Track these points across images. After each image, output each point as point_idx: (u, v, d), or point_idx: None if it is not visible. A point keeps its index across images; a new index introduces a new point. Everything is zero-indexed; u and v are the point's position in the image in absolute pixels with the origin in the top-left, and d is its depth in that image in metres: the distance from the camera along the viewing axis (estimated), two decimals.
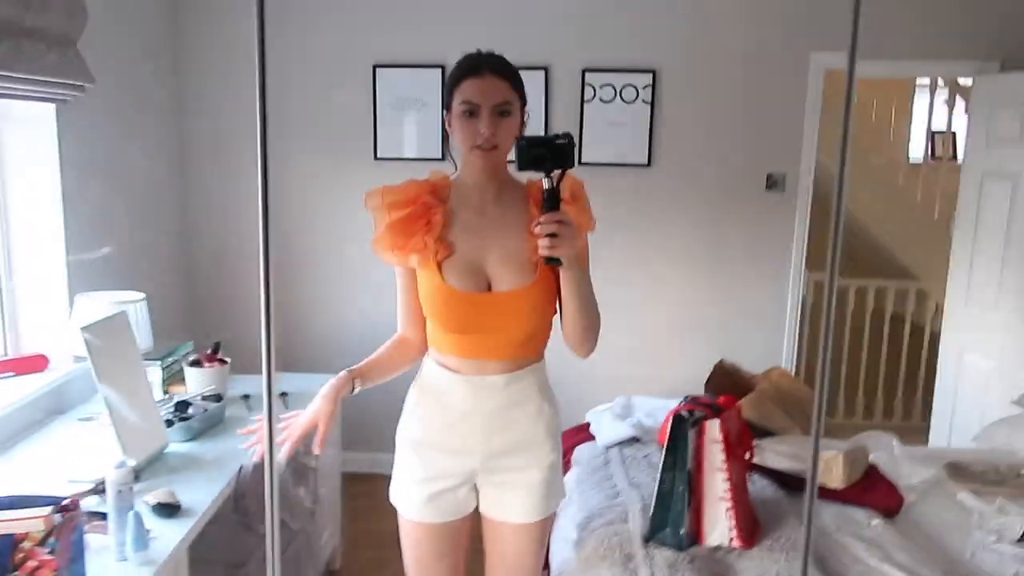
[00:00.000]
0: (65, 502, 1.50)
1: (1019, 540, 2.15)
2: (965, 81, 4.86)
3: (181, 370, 2.67)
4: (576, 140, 3.58)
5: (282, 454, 1.65)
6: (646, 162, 3.68)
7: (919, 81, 5.62)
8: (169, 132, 3.58)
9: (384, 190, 1.66)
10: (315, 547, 2.69)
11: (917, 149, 5.83)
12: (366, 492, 3.29)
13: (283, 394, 2.66)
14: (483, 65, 1.57)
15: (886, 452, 2.61)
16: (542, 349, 1.72)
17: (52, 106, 2.58)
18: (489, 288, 1.62)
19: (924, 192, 5.37)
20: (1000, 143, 3.47)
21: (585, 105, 3.65)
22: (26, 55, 2.27)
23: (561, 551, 2.02)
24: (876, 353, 4.88)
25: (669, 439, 1.87)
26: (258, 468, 2.13)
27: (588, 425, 2.78)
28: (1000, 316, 3.47)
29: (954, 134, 5.88)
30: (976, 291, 3.63)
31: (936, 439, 3.79)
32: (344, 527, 3.09)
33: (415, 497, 1.73)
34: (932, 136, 5.90)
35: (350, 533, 3.14)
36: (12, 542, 1.42)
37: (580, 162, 3.63)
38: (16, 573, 1.43)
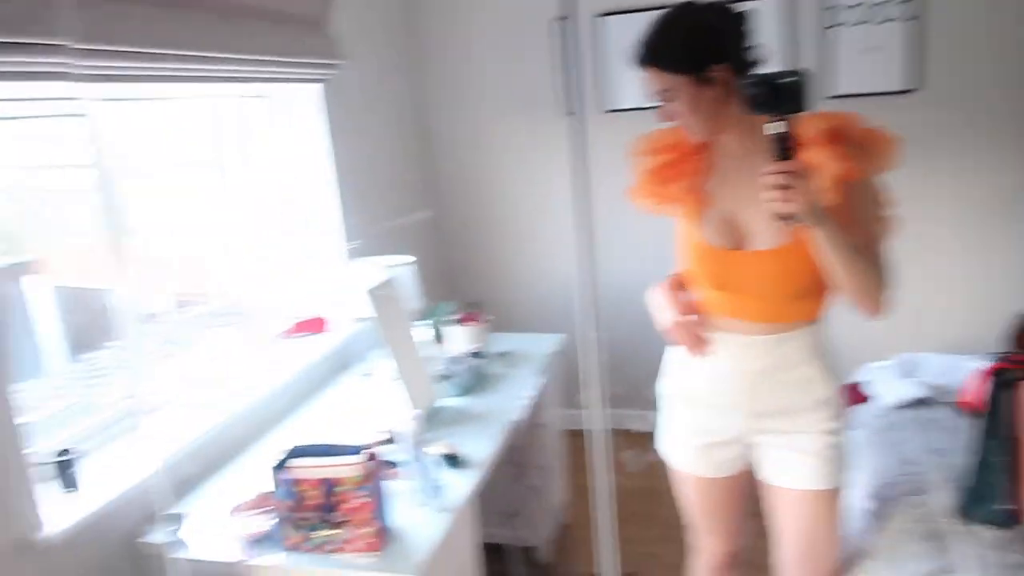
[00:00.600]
0: (372, 450, 1.62)
1: None
2: None
3: (439, 329, 2.80)
4: (811, 74, 3.29)
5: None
6: (915, 86, 3.26)
7: None
8: (414, 102, 3.74)
9: (648, 135, 1.62)
10: (550, 503, 2.72)
11: None
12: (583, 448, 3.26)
13: (503, 354, 2.70)
14: (638, 58, 1.49)
15: None
16: (817, 310, 1.55)
17: (318, 86, 2.78)
18: (748, 244, 1.51)
19: None
20: None
21: (830, 31, 3.29)
22: (294, 41, 2.46)
23: (854, 519, 1.87)
24: None
25: (988, 401, 1.64)
26: (528, 423, 2.19)
27: (857, 385, 2.56)
28: None
29: None
30: None
31: None
32: (572, 483, 3.09)
33: (684, 449, 1.71)
34: None
35: (574, 489, 3.13)
36: (330, 485, 1.56)
37: (832, 95, 3.30)
38: (336, 512, 1.57)
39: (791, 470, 1.58)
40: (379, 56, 3.38)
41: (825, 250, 1.37)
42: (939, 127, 3.26)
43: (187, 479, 1.95)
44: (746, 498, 1.76)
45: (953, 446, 1.85)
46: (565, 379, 3.01)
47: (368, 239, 2.97)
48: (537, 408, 2.43)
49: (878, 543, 1.66)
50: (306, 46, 2.55)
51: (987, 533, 1.59)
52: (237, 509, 1.73)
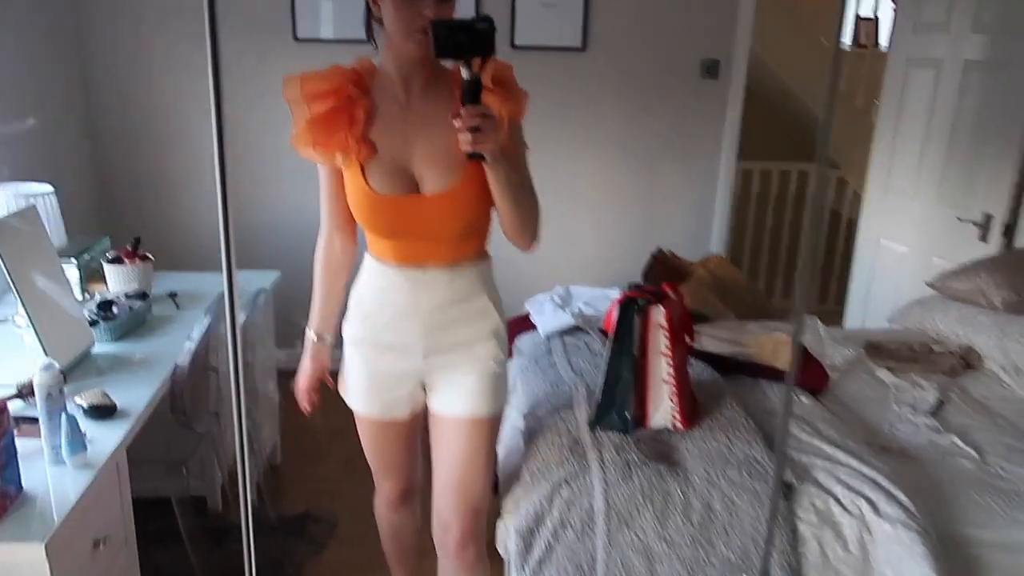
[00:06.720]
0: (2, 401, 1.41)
1: (931, 412, 2.31)
2: None
3: (100, 268, 2.51)
4: (503, 23, 3.47)
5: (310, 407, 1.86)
6: (580, 46, 3.57)
7: None
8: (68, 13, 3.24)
9: (303, 78, 1.50)
10: (256, 444, 2.66)
11: (843, 35, 5.86)
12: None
13: (172, 294, 2.55)
14: None
15: (812, 335, 2.74)
16: (484, 245, 1.65)
17: None
18: (417, 189, 1.52)
19: (849, 79, 5.43)
20: (925, 29, 3.50)
21: None
22: None
23: (508, 438, 2.05)
24: (796, 238, 5.05)
25: (617, 325, 1.88)
26: (192, 366, 2.06)
27: (527, 315, 2.79)
28: (917, 203, 3.61)
29: (877, 19, 5.93)
30: (896, 179, 3.74)
31: (851, 321, 3.99)
32: (282, 423, 3.05)
33: (361, 393, 1.71)
34: (857, 22, 5.94)
35: (289, 429, 3.10)
36: None
37: (512, 45, 3.50)
38: None
39: (457, 399, 1.66)
40: None
41: (501, 185, 1.46)
42: (597, 83, 3.63)
43: None
44: (417, 437, 1.83)
45: (593, 367, 2.11)
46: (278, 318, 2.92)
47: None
48: (208, 351, 2.30)
49: (526, 456, 1.84)
50: None
51: (614, 438, 1.84)
52: None
